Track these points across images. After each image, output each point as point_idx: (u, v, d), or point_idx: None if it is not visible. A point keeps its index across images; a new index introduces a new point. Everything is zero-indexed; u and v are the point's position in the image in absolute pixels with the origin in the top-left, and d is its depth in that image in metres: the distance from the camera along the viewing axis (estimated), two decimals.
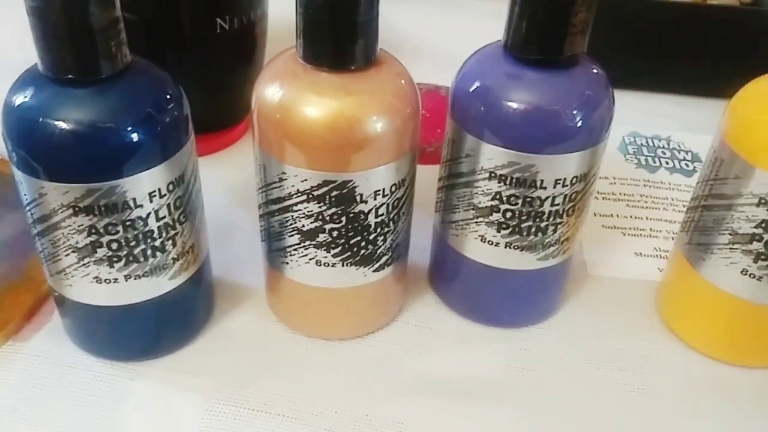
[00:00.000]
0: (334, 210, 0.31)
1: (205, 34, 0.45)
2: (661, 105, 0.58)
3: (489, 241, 0.34)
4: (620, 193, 0.47)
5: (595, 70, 0.32)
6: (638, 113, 0.56)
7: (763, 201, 0.31)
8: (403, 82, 0.31)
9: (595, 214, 0.45)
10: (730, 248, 0.33)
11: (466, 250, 0.35)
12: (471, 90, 0.32)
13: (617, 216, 0.45)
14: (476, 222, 0.34)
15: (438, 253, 0.38)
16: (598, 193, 0.47)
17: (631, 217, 0.45)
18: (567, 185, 0.32)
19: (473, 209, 0.34)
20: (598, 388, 0.35)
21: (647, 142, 0.53)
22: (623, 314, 0.39)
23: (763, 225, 0.31)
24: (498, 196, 0.33)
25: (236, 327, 0.37)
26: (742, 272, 0.33)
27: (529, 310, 0.38)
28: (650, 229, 0.44)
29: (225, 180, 0.47)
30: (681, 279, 0.37)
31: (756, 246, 0.32)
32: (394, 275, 0.36)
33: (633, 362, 0.36)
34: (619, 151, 0.51)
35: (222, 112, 0.50)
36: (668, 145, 0.52)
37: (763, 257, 0.32)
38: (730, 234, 0.33)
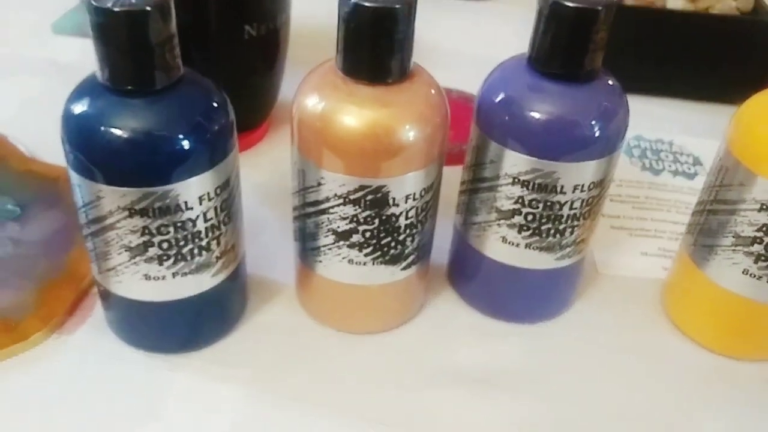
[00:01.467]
0: (368, 213, 0.33)
1: (234, 40, 0.47)
2: (664, 109, 0.60)
3: (510, 242, 0.36)
4: (627, 195, 0.50)
5: (611, 83, 0.35)
6: (642, 117, 0.58)
7: (764, 207, 0.33)
8: (434, 92, 0.33)
9: (603, 215, 0.48)
10: (733, 250, 0.35)
11: (487, 250, 0.38)
12: (496, 100, 0.34)
13: (624, 217, 0.48)
14: (498, 224, 0.36)
15: (458, 252, 0.41)
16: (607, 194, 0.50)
17: (637, 218, 0.48)
18: (585, 190, 0.35)
19: (496, 212, 0.36)
20: (608, 378, 0.38)
21: (651, 145, 0.55)
22: (631, 310, 0.41)
23: (764, 229, 0.34)
24: (520, 200, 0.35)
25: (269, 321, 0.39)
26: (743, 272, 0.35)
27: (545, 307, 0.40)
28: (655, 230, 0.47)
29: (250, 179, 0.49)
30: (686, 278, 0.39)
31: (757, 248, 0.34)
32: (418, 273, 0.38)
33: (640, 355, 0.39)
34: (624, 154, 0.54)
35: (245, 115, 0.52)
36: (670, 148, 0.55)
37: (763, 258, 0.35)
38: (733, 236, 0.35)
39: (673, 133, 0.57)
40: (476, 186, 0.37)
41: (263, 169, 0.50)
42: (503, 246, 0.37)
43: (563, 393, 0.37)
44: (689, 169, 0.53)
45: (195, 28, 0.46)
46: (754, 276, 0.35)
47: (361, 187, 0.33)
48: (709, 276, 0.37)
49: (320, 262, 0.36)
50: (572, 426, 0.35)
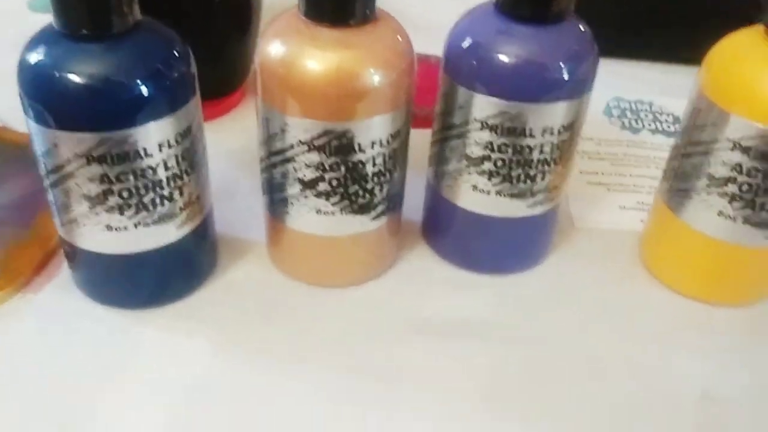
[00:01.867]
0: (333, 159, 0.33)
1: (203, 4, 0.46)
2: (644, 72, 0.60)
3: (481, 190, 0.36)
4: (605, 153, 0.49)
5: (581, 28, 0.34)
6: (622, 79, 0.58)
7: (737, 145, 0.33)
8: (399, 38, 0.33)
9: (581, 172, 0.47)
10: (708, 192, 0.35)
11: (459, 200, 0.37)
12: (464, 46, 0.34)
13: (602, 173, 0.47)
14: (468, 172, 0.36)
15: (431, 206, 0.40)
16: (583, 152, 0.49)
17: (615, 174, 0.47)
18: (554, 134, 0.34)
19: (465, 159, 0.35)
20: (581, 326, 0.37)
21: (631, 105, 0.55)
22: (607, 261, 0.41)
23: (738, 168, 0.33)
24: (489, 146, 0.34)
25: (239, 277, 0.39)
26: (718, 214, 0.35)
27: (518, 257, 0.40)
28: (633, 185, 0.46)
29: (224, 145, 0.48)
30: (662, 225, 0.39)
31: (731, 188, 0.34)
32: (389, 225, 0.37)
33: (614, 303, 0.39)
34: (604, 114, 0.53)
35: (219, 80, 0.51)
36: (650, 108, 0.54)
37: (737, 198, 0.34)
38: (707, 178, 0.35)
39: (654, 94, 0.56)
40: (446, 134, 0.36)
41: (238, 135, 0.49)
42: (474, 194, 0.36)
43: (535, 341, 0.36)
44: (669, 127, 0.52)
45: None
46: (729, 217, 0.35)
47: (326, 132, 0.32)
48: (684, 220, 0.37)
49: (288, 213, 0.36)
50: (543, 371, 0.35)
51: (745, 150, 0.33)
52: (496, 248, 0.39)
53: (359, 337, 0.36)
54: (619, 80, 0.57)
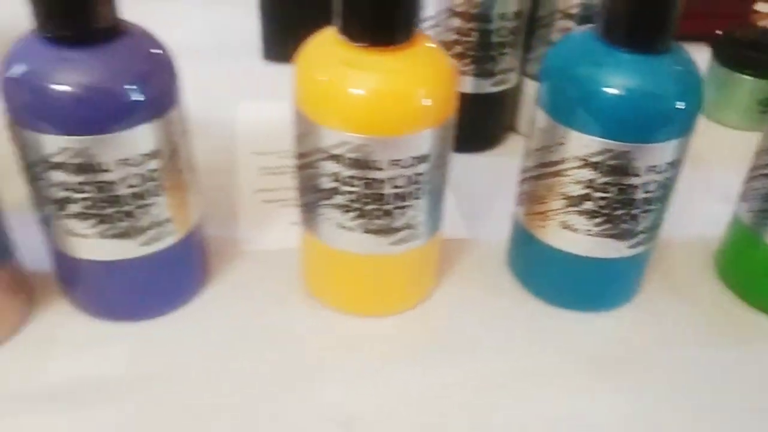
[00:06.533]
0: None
1: None
2: None
3: (80, 235, 0.32)
4: (287, 166, 0.47)
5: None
6: None
7: (329, 155, 0.31)
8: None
9: (259, 191, 0.45)
10: (322, 205, 0.33)
11: (75, 251, 0.33)
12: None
13: (281, 189, 0.45)
14: (59, 217, 0.32)
15: (54, 257, 0.36)
16: (263, 168, 0.47)
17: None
18: (137, 164, 0.31)
19: (53, 203, 0.32)
20: (238, 361, 0.35)
21: None
22: (267, 286, 0.38)
23: (337, 178, 0.32)
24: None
25: None
26: (338, 226, 0.33)
27: (160, 298, 0.36)
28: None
29: None
30: (304, 242, 0.37)
31: (339, 199, 0.32)
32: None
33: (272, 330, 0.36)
34: None
35: None
36: None
37: (348, 209, 0.32)
38: (317, 191, 0.33)
39: None
40: (28, 176, 0.32)
41: None
42: (78, 239, 0.32)
43: (172, 392, 0.33)
44: None
45: None
46: (348, 228, 0.33)
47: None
48: (316, 236, 0.35)
49: None
50: (169, 427, 0.32)
51: (337, 158, 0.31)
52: (127, 292, 0.35)
53: None
54: None
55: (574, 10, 0.44)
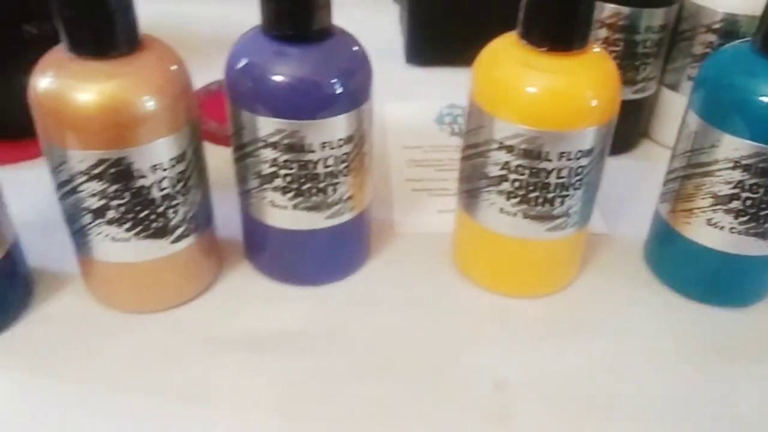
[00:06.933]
0: (115, 186, 0.34)
1: (12, 40, 0.46)
2: None
3: (277, 206, 0.37)
4: (432, 159, 0.51)
5: (348, 40, 0.36)
6: (458, 86, 0.60)
7: (502, 145, 0.35)
8: (167, 62, 0.34)
9: (407, 180, 0.49)
10: (487, 191, 0.37)
11: (263, 216, 0.38)
12: (238, 68, 0.35)
13: (426, 180, 0.49)
14: (263, 189, 0.37)
15: (244, 224, 0.41)
16: (411, 160, 0.51)
17: (439, 179, 0.49)
18: (335, 147, 0.35)
19: (258, 177, 0.37)
20: (388, 328, 0.39)
21: (463, 112, 0.57)
22: (421, 264, 0.43)
23: (507, 166, 0.36)
24: (276, 163, 0.36)
25: (55, 311, 0.39)
26: (500, 211, 0.37)
27: (330, 268, 0.41)
28: (454, 189, 0.48)
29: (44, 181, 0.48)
30: (461, 225, 0.41)
31: (505, 186, 0.36)
32: (199, 246, 0.38)
33: (426, 303, 0.40)
34: (435, 122, 0.56)
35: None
36: None
37: (512, 195, 0.36)
38: (485, 178, 0.37)
39: None
40: (239, 154, 0.37)
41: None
42: (275, 210, 0.38)
43: (342, 348, 0.38)
44: None
45: None
46: (510, 213, 0.37)
47: (101, 161, 0.33)
48: (475, 220, 0.39)
49: (87, 244, 0.36)
50: (342, 376, 0.36)
51: (510, 149, 0.35)
52: (305, 261, 0.40)
53: (165, 358, 0.37)
54: (454, 87, 0.60)
55: (717, 25, 0.46)
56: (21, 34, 0.46)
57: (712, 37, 0.47)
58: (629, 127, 0.51)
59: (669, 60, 0.50)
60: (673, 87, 0.51)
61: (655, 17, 0.46)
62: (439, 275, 0.42)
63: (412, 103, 0.58)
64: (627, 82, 0.48)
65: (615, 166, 0.50)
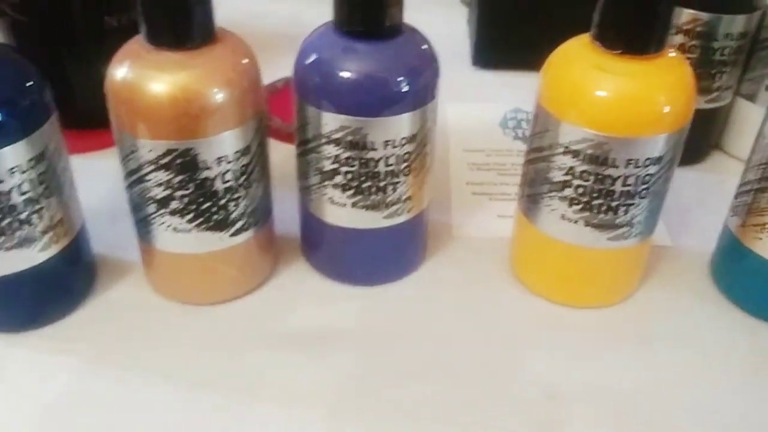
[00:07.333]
0: (181, 177, 0.34)
1: (94, 31, 0.48)
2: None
3: (337, 203, 0.37)
4: (494, 163, 0.51)
5: (417, 38, 0.36)
6: (524, 91, 0.59)
7: (568, 150, 0.34)
8: (239, 56, 0.34)
9: (467, 183, 0.49)
10: (549, 196, 0.36)
11: (321, 213, 0.38)
12: (308, 64, 0.35)
13: (487, 184, 0.49)
14: (323, 186, 0.37)
15: (301, 220, 0.41)
16: (472, 164, 0.51)
17: (500, 183, 0.49)
18: (397, 146, 0.35)
19: (320, 173, 0.37)
20: (443, 332, 0.38)
21: (528, 116, 0.56)
22: (479, 268, 0.42)
23: (571, 172, 0.35)
24: (338, 160, 0.36)
25: (116, 298, 0.40)
26: (561, 218, 0.36)
27: (385, 268, 0.41)
28: (515, 194, 0.48)
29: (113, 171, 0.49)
30: (520, 230, 0.40)
31: (568, 192, 0.35)
32: (258, 240, 0.39)
33: (480, 309, 0.40)
34: (499, 126, 0.55)
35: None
36: None
37: (575, 202, 0.35)
38: (548, 183, 0.36)
39: None
40: (302, 149, 0.37)
41: None
42: (333, 207, 0.38)
43: (394, 348, 0.38)
44: None
45: (55, 19, 0.47)
46: (571, 220, 0.36)
47: (168, 152, 0.33)
48: (535, 225, 0.38)
49: (150, 233, 0.37)
50: (400, 374, 0.36)
51: (575, 154, 0.34)
52: (361, 260, 0.40)
53: (224, 350, 0.37)
54: (520, 92, 0.59)
55: None
56: (102, 26, 0.47)
57: None
58: (701, 138, 0.49)
59: (747, 69, 0.48)
60: (750, 97, 0.49)
61: (735, 24, 0.44)
62: (496, 281, 0.42)
63: (476, 105, 0.57)
64: (701, 90, 0.47)
65: (683, 176, 0.48)
